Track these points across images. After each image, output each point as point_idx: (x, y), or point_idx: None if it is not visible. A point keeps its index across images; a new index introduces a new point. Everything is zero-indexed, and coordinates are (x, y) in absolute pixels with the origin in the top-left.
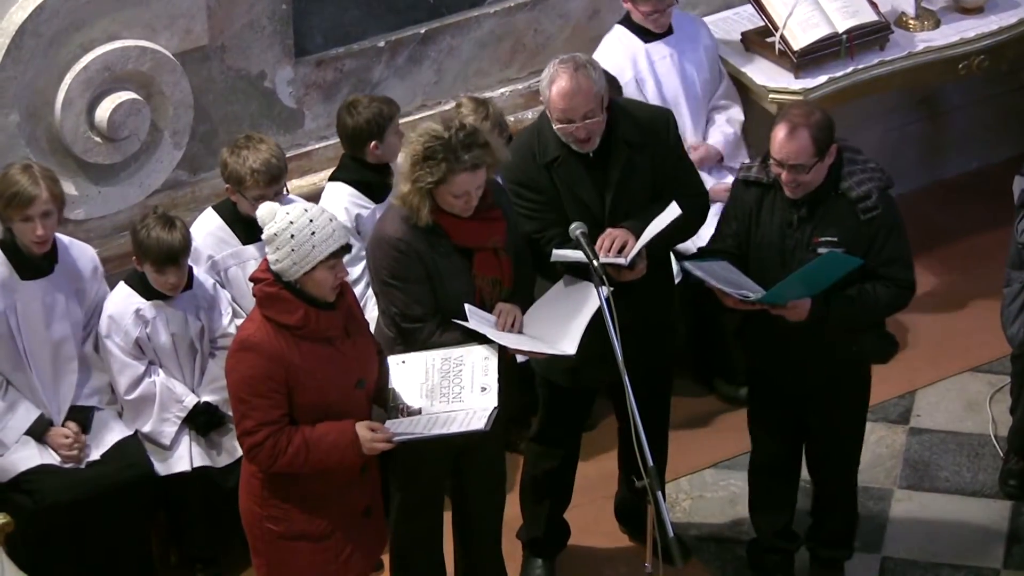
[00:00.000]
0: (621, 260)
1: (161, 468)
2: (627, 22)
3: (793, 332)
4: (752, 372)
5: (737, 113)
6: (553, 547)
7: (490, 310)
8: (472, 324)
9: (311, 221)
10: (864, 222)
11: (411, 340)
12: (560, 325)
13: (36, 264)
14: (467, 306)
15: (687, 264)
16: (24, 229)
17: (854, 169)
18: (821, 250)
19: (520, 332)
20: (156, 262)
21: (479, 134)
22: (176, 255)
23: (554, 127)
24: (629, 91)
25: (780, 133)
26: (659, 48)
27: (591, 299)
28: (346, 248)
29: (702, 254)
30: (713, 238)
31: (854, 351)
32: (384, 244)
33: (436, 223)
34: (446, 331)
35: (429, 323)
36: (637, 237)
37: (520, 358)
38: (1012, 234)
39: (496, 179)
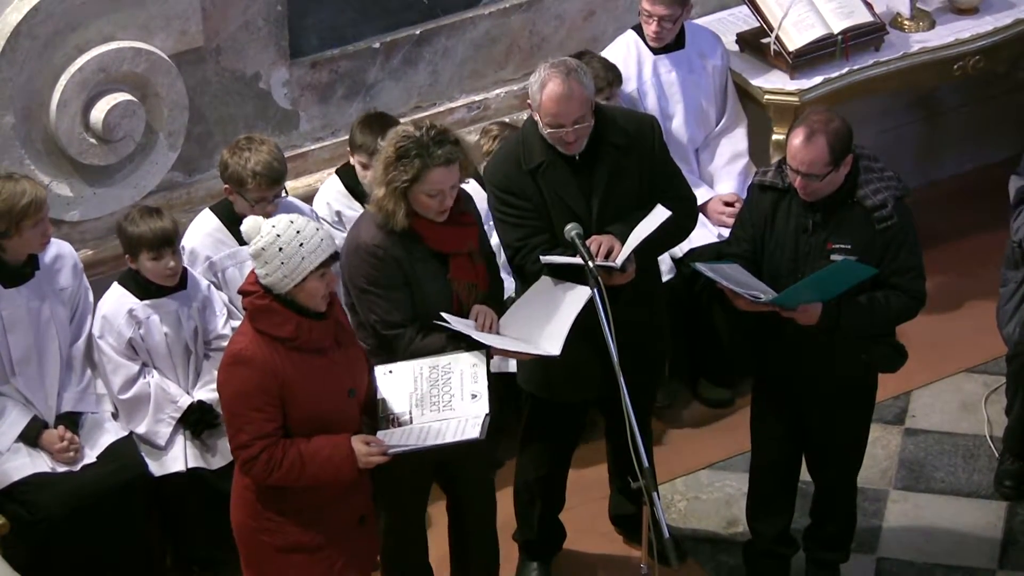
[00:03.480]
0: (612, 264)
1: (156, 468)
2: (640, 30)
3: (802, 338)
4: (758, 378)
5: (740, 142)
6: (548, 549)
7: (467, 315)
8: (454, 325)
9: (298, 232)
10: (879, 231)
11: (392, 348)
12: (542, 326)
13: (18, 271)
14: (444, 315)
15: (698, 265)
16: (33, 235)
17: (870, 177)
18: (835, 256)
19: (499, 334)
20: (152, 247)
21: (449, 132)
22: (170, 237)
23: (543, 131)
24: (627, 101)
25: (796, 139)
26: (667, 62)
27: (575, 299)
28: (335, 256)
29: (717, 257)
30: (728, 241)
31: (863, 359)
32: (361, 251)
33: (411, 227)
34: (427, 336)
35: (409, 328)
36: (623, 242)
37: (496, 366)
38: (1008, 234)
39: (463, 187)
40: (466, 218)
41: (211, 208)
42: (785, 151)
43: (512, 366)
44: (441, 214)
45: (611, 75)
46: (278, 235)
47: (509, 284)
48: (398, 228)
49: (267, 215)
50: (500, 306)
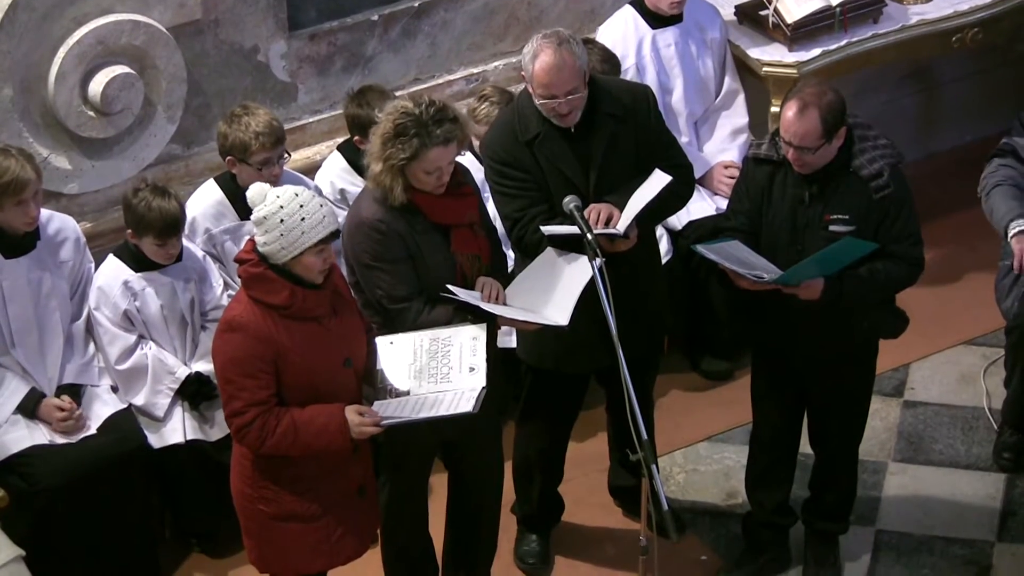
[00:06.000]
0: (615, 230)
1: (155, 440)
2: (637, 5)
3: (804, 308)
4: (758, 347)
5: (740, 117)
6: (547, 522)
7: (471, 287)
8: (461, 296)
9: (301, 207)
10: (876, 200)
11: (399, 322)
12: (549, 296)
13: (18, 242)
14: (451, 287)
15: (699, 247)
16: (16, 213)
17: (865, 146)
18: (833, 227)
19: (505, 304)
20: (160, 233)
21: (449, 108)
22: (178, 223)
23: (536, 102)
24: (628, 77)
25: (789, 112)
26: (666, 36)
27: (582, 270)
28: (335, 234)
29: (714, 232)
30: (725, 215)
31: (865, 327)
32: (363, 227)
33: (411, 201)
34: (434, 308)
35: (416, 302)
36: (621, 210)
37: (503, 342)
38: None
39: (459, 161)
40: (465, 189)
41: (215, 179)
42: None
43: (513, 340)
44: (439, 188)
45: (607, 66)
46: (281, 206)
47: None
48: (397, 203)
49: (275, 178)
50: (505, 278)
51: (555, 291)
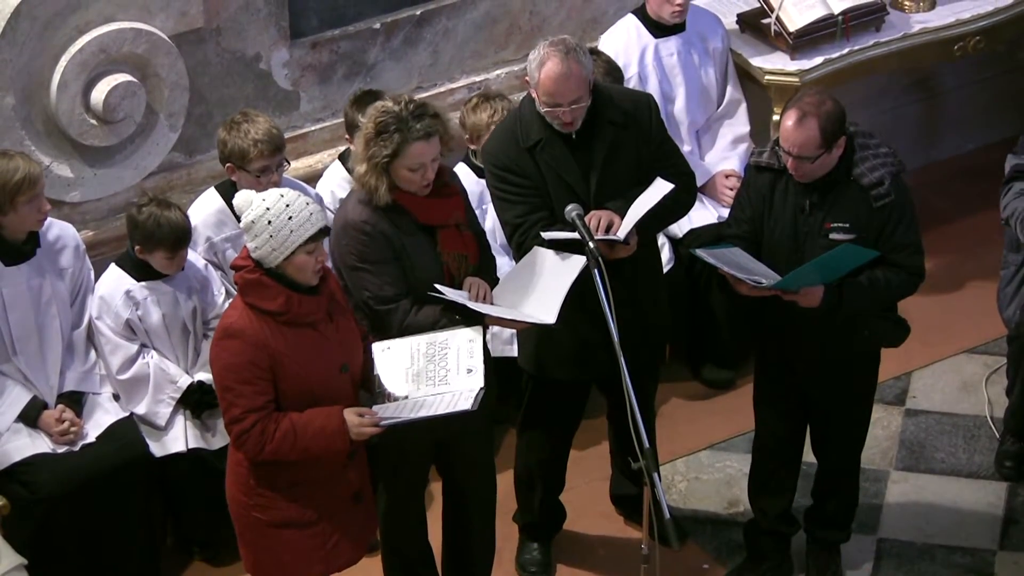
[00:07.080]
0: (616, 236)
1: (156, 449)
2: (640, 14)
3: (805, 316)
4: (761, 354)
5: (741, 126)
6: (549, 531)
7: (459, 287)
8: (448, 295)
9: (287, 206)
10: (877, 209)
11: (387, 324)
12: (537, 295)
13: (18, 249)
14: (438, 286)
15: (699, 251)
16: (30, 210)
17: (866, 155)
18: (834, 235)
19: (493, 304)
20: (172, 246)
21: (429, 105)
22: (188, 234)
23: (540, 108)
24: (631, 85)
25: (788, 121)
26: (668, 44)
27: (570, 268)
28: (324, 231)
29: (717, 239)
30: (727, 223)
31: (865, 335)
32: (349, 229)
33: (396, 201)
34: (421, 309)
35: (403, 302)
36: (622, 217)
37: (504, 351)
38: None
39: (447, 165)
40: (450, 190)
41: (216, 187)
42: None
43: (513, 349)
44: (424, 188)
45: (609, 79)
46: (267, 208)
47: (503, 262)
48: (381, 203)
49: (273, 186)
50: (493, 279)
51: (543, 289)
